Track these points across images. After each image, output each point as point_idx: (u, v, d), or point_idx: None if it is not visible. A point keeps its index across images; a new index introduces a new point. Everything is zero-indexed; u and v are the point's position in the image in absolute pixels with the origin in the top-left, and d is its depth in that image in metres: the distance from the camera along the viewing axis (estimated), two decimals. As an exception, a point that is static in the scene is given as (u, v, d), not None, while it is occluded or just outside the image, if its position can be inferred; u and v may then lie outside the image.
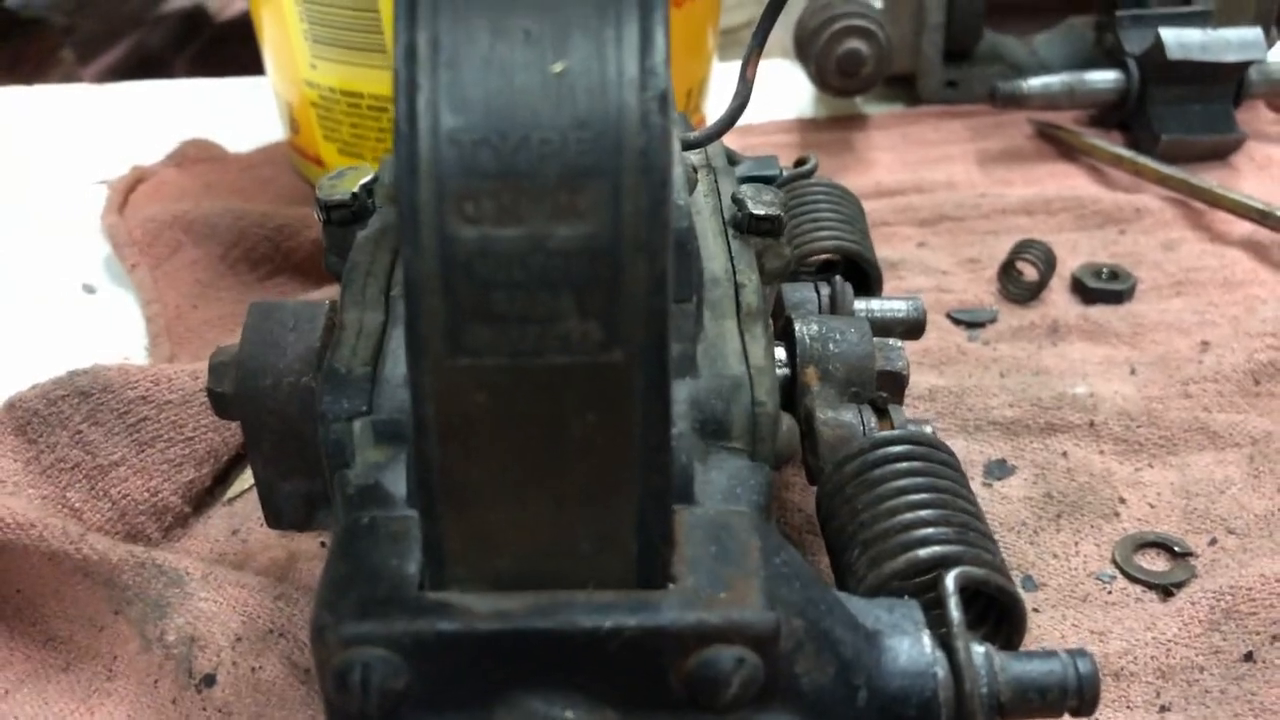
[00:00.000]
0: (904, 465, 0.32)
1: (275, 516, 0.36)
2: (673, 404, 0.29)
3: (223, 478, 0.43)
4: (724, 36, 0.90)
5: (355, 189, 0.35)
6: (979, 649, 0.27)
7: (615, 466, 0.24)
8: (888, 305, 0.41)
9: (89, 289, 0.56)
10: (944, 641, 0.27)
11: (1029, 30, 0.76)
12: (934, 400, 0.46)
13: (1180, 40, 0.62)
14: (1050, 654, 0.28)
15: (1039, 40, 0.75)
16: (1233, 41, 0.63)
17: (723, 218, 0.36)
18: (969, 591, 0.30)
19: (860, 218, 0.46)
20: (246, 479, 0.43)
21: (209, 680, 0.33)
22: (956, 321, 0.52)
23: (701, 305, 0.32)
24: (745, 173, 0.48)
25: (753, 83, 0.37)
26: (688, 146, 0.38)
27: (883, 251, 0.57)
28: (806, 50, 0.64)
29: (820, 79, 0.65)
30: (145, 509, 0.39)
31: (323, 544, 0.40)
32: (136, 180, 0.62)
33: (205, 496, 0.42)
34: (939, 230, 0.59)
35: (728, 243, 0.35)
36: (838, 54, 0.63)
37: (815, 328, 0.37)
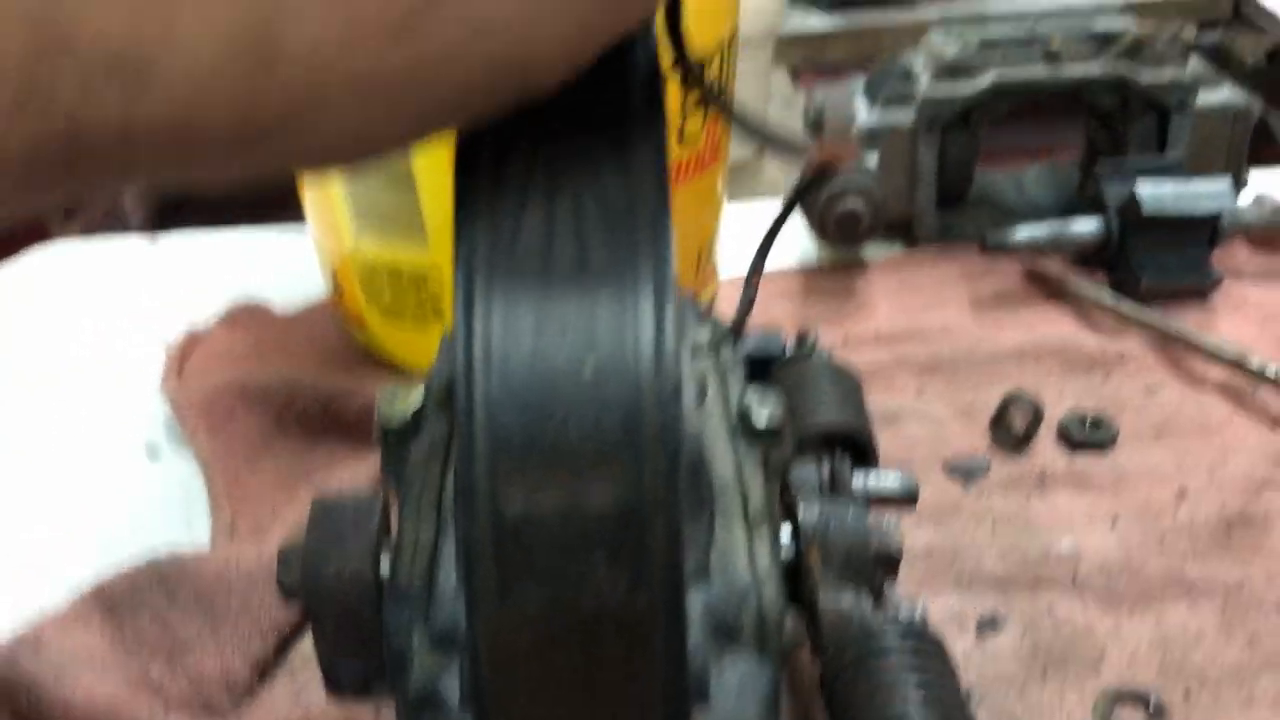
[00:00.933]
0: (894, 659, 0.36)
1: (335, 686, 0.41)
2: (691, 612, 0.33)
3: (283, 646, 0.47)
4: (729, 172, 0.95)
5: (409, 411, 0.39)
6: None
7: (640, 690, 0.28)
8: (883, 480, 0.46)
9: (153, 451, 0.61)
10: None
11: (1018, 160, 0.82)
12: (930, 558, 0.51)
13: (1154, 194, 0.67)
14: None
15: (1028, 178, 0.80)
16: (1203, 192, 0.67)
17: (730, 420, 0.41)
18: (954, 772, 0.34)
19: (857, 393, 0.51)
20: (304, 647, 0.47)
21: None
22: (952, 473, 0.57)
23: (713, 517, 0.36)
24: (751, 349, 0.53)
25: (756, 291, 0.42)
26: (696, 351, 0.43)
27: (883, 401, 0.61)
28: (809, 209, 0.69)
29: (821, 233, 0.70)
30: (218, 682, 0.44)
31: (376, 710, 0.44)
32: (192, 342, 0.68)
33: (269, 665, 0.46)
34: (936, 378, 0.64)
35: (734, 445, 0.40)
36: (837, 213, 0.68)
37: (816, 512, 0.41)
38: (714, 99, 0.31)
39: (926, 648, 0.37)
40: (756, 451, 0.40)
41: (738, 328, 0.42)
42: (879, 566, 0.41)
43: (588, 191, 0.26)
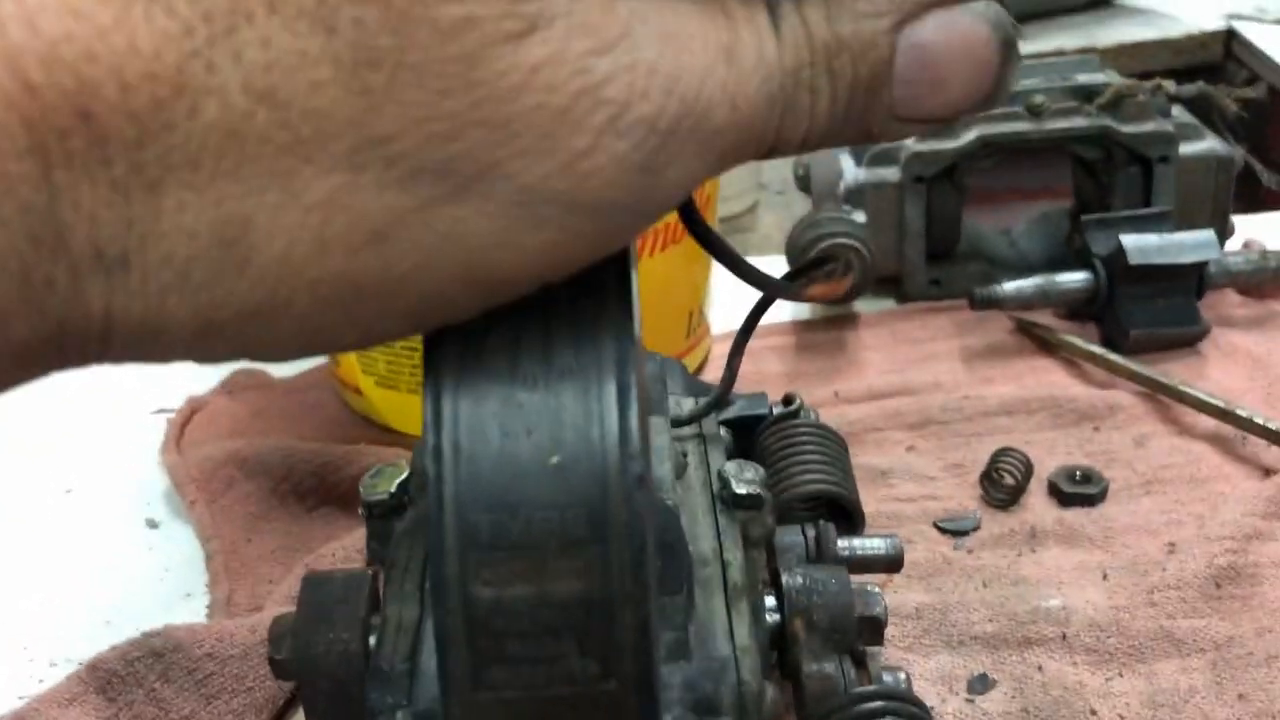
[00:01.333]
0: (877, 723, 0.36)
1: (327, 762, 0.41)
2: (670, 688, 0.34)
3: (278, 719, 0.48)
4: (724, 224, 0.96)
5: (392, 488, 0.40)
6: None
7: (615, 773, 0.29)
8: (868, 544, 0.46)
9: (152, 523, 0.62)
10: None
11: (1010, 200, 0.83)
12: (920, 619, 0.51)
13: (1139, 245, 0.68)
14: None
15: (1017, 231, 0.81)
16: (1187, 243, 0.68)
17: (711, 491, 0.41)
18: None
19: (844, 456, 0.51)
20: (298, 718, 0.47)
21: None
22: (943, 531, 0.57)
23: (692, 591, 0.36)
24: (737, 413, 0.53)
25: (737, 371, 0.42)
26: (678, 424, 0.43)
27: (874, 459, 0.62)
28: (798, 263, 0.70)
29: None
30: (212, 758, 0.44)
31: (369, 784, 0.44)
32: (192, 411, 0.69)
33: (264, 740, 0.47)
34: (926, 434, 0.64)
35: (715, 516, 0.40)
36: (826, 271, 0.69)
37: (800, 580, 0.41)
38: (714, 248, 0.32)
39: (910, 713, 0.37)
40: (737, 523, 0.40)
41: (719, 402, 0.43)
42: (863, 632, 0.41)
43: (554, 304, 0.27)
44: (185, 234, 0.21)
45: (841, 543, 0.46)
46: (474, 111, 0.21)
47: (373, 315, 0.23)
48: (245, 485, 0.61)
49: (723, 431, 0.47)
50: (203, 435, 0.66)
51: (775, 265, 0.79)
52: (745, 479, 0.41)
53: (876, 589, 0.42)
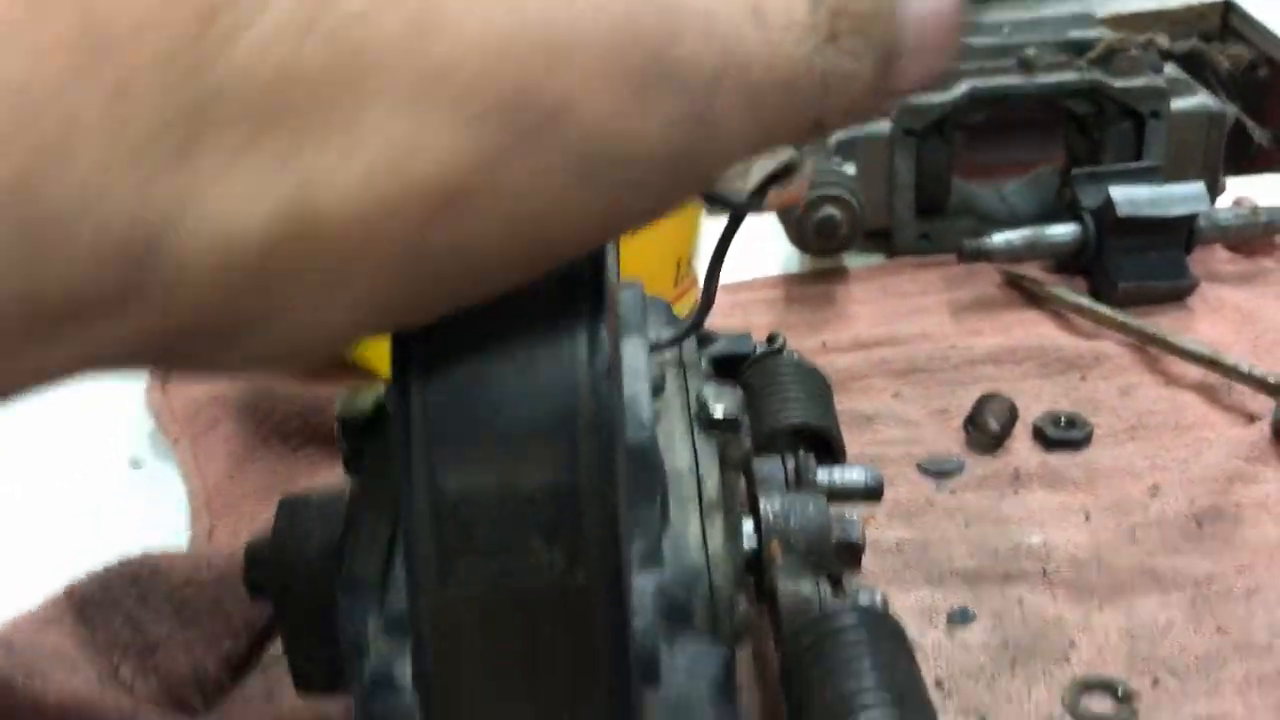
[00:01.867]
0: (851, 637, 0.36)
1: (304, 682, 0.41)
2: (642, 594, 0.34)
3: (257, 645, 0.48)
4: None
5: (369, 406, 0.40)
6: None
7: (584, 669, 0.29)
8: (847, 474, 0.46)
9: (136, 463, 0.62)
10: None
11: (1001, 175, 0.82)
12: (901, 553, 0.51)
13: (1129, 197, 0.68)
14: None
15: (1009, 189, 0.80)
16: (1177, 196, 0.68)
17: (690, 413, 0.41)
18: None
19: (826, 392, 0.51)
20: (277, 646, 0.47)
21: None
22: (925, 472, 0.57)
23: (667, 504, 0.36)
24: (721, 350, 0.53)
25: (714, 294, 0.42)
26: (655, 348, 0.43)
27: (859, 405, 0.62)
28: (787, 216, 0.70)
29: (800, 242, 0.70)
30: (189, 681, 0.44)
31: (347, 706, 0.44)
32: (178, 355, 0.68)
33: (242, 664, 0.47)
34: (912, 381, 0.64)
35: (693, 438, 0.40)
36: (814, 221, 0.68)
37: (778, 504, 0.41)
38: None
39: (883, 630, 0.37)
40: (714, 443, 0.40)
41: (698, 324, 0.43)
42: (841, 556, 0.41)
43: None
44: (241, 201, 0.18)
45: (821, 473, 0.46)
46: (528, 31, 0.19)
47: (433, 293, 0.22)
48: (229, 425, 0.61)
49: (703, 362, 0.47)
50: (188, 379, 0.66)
51: (765, 226, 0.79)
52: (723, 400, 0.40)
53: (854, 515, 0.42)
